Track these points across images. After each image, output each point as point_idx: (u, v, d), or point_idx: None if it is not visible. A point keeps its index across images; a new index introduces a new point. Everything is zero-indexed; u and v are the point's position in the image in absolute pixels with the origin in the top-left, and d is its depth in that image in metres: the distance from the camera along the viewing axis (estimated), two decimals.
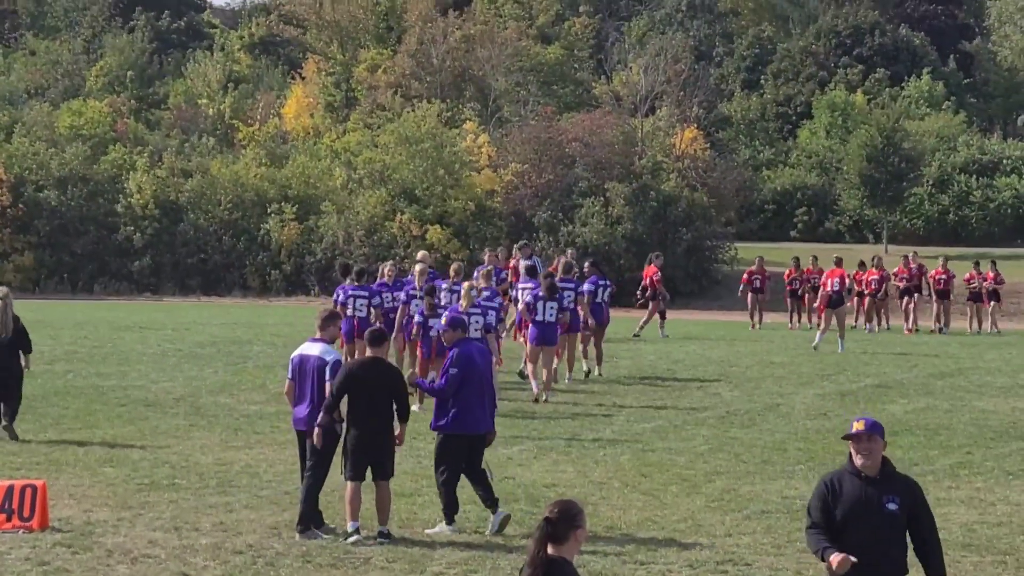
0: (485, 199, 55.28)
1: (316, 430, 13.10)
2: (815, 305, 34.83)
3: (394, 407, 13.10)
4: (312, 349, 13.58)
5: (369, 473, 13.12)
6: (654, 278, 33.79)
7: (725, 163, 59.18)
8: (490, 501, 13.55)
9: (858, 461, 8.40)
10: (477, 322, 20.26)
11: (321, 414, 13.10)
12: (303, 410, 13.48)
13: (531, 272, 25.05)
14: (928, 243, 58.42)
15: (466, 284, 21.20)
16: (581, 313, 24.35)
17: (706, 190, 54.67)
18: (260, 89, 72.38)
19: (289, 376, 13.73)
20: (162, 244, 57.48)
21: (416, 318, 21.19)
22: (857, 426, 8.43)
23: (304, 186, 58.05)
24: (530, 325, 22.95)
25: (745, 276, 38.29)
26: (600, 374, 25.06)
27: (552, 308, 22.75)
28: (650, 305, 33.75)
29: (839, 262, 32.84)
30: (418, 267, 23.43)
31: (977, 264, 38.33)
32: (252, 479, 15.78)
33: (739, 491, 15.33)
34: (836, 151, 65.13)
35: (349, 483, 13.11)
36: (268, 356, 27.98)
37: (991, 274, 37.53)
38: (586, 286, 25.09)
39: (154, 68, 78.96)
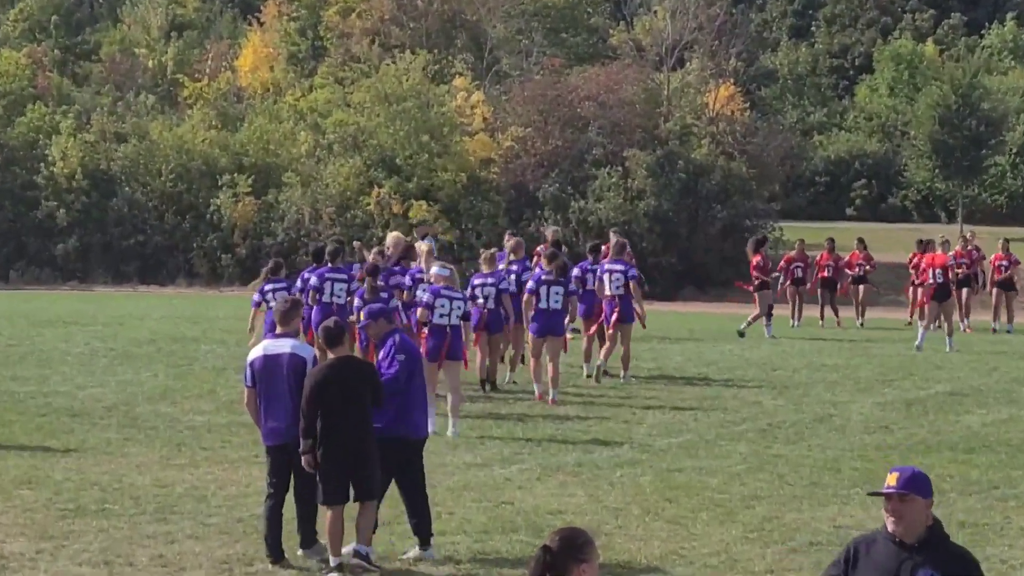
0: (480, 169, 55.30)
1: (304, 458, 13.18)
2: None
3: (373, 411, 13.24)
4: (280, 346, 13.60)
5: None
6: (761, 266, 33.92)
7: (768, 127, 59.25)
8: (424, 532, 13.56)
9: (890, 525, 7.92)
10: (459, 307, 20.74)
11: (302, 442, 13.15)
12: (278, 421, 13.48)
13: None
14: (1012, 222, 58.48)
15: (435, 267, 21.71)
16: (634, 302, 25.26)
17: (745, 159, 54.70)
18: (210, 37, 72.40)
19: (247, 383, 13.71)
20: (91, 222, 57.49)
21: (356, 302, 21.72)
22: (889, 480, 7.93)
23: (262, 153, 58.06)
24: (532, 314, 23.37)
25: (783, 264, 38.15)
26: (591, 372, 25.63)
27: (557, 294, 23.15)
28: (758, 297, 33.94)
29: (945, 244, 33.31)
30: (424, 246, 23.89)
31: None
32: (198, 504, 15.78)
33: (783, 519, 15.34)
34: (902, 112, 65.15)
35: (329, 510, 13.16)
36: (218, 357, 27.97)
37: (1005, 255, 37.36)
38: (607, 266, 25.54)
39: (83, 12, 78.99)
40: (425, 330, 21.04)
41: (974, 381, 25.87)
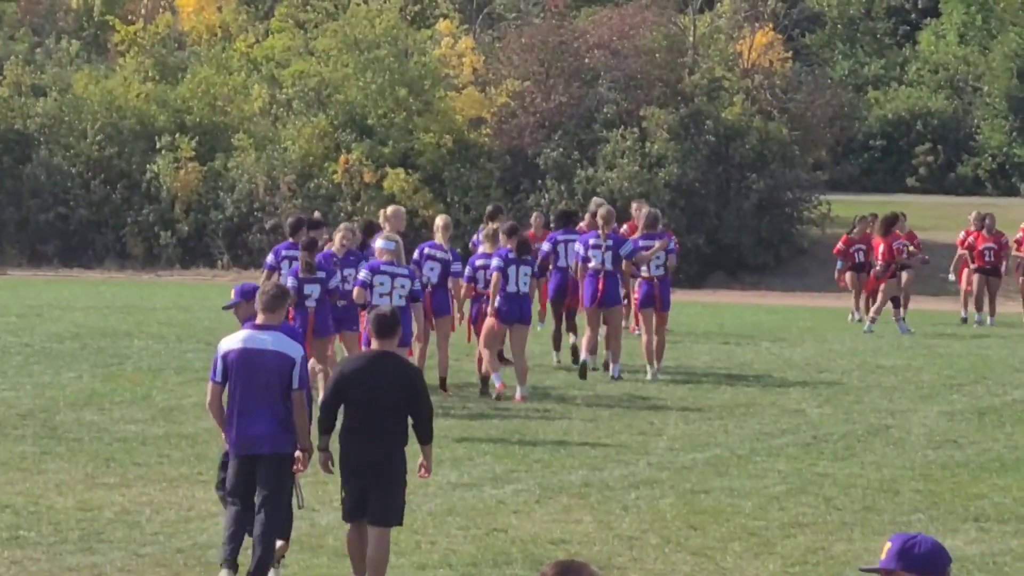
0: (468, 131, 55.25)
1: (300, 455, 13.61)
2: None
3: (410, 422, 13.46)
4: (261, 340, 13.73)
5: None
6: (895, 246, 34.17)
7: (814, 81, 59.17)
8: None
9: None
10: (403, 286, 21.43)
11: (319, 437, 13.53)
12: (258, 428, 13.61)
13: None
14: None
15: (383, 237, 22.34)
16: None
17: (786, 119, 54.67)
18: None
19: (215, 378, 13.79)
20: (2, 193, 57.40)
21: (289, 280, 22.06)
22: (882, 553, 7.20)
23: (209, 111, 57.99)
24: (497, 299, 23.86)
25: (840, 245, 38.19)
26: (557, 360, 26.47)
27: (526, 275, 23.82)
28: (885, 286, 34.13)
29: None
30: (440, 220, 24.69)
31: None
32: (130, 530, 15.78)
33: (830, 550, 15.35)
34: (973, 64, 65.08)
35: (349, 525, 13.62)
36: (155, 355, 27.96)
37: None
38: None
39: None
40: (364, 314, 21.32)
41: None
